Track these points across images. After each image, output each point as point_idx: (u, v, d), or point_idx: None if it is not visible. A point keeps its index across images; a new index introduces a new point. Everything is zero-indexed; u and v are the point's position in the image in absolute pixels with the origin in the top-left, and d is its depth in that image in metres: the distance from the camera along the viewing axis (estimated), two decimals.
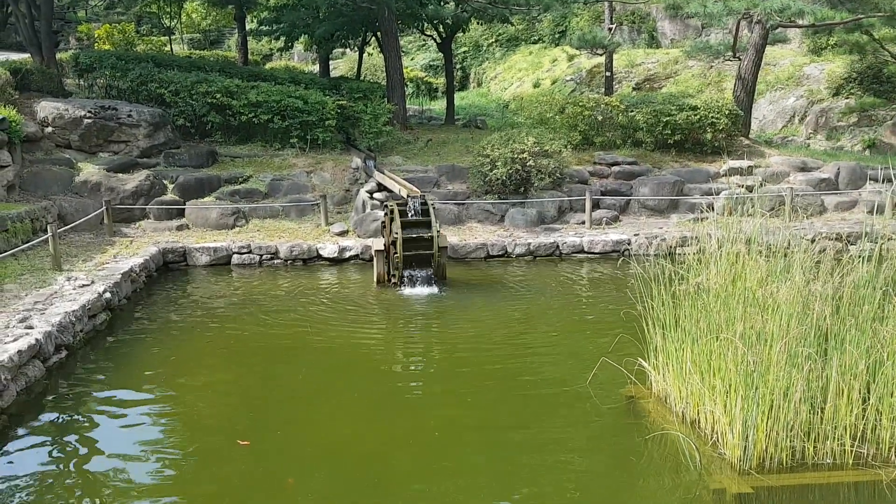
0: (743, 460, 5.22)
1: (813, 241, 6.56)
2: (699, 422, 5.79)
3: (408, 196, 11.27)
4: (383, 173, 13.74)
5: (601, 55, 20.63)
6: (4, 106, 13.81)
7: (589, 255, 12.92)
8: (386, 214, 11.13)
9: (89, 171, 14.37)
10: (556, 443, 5.95)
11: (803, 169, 16.08)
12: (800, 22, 16.86)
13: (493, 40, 32.28)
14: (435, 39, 22.27)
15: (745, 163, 15.96)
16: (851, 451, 5.34)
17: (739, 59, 18.07)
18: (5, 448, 5.80)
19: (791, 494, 5.05)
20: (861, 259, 5.99)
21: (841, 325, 5.57)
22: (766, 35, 17.32)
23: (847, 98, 20.47)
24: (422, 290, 10.57)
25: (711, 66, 23.60)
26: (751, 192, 14.52)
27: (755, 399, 5.16)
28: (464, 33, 27.01)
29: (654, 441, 5.75)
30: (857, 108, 19.78)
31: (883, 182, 14.95)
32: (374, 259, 11.01)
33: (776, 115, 21.72)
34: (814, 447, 5.33)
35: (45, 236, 10.57)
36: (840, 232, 12.73)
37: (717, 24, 19.61)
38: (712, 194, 14.81)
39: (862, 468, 5.27)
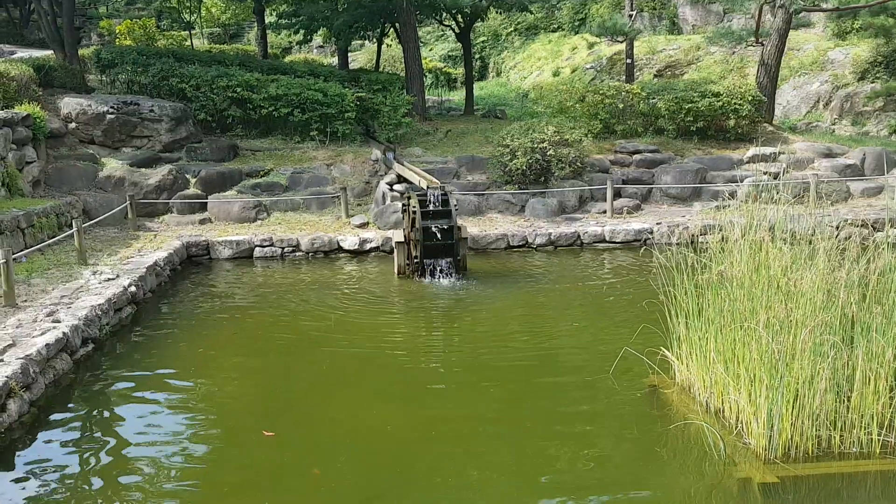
0: (768, 450, 5.18)
1: (838, 227, 6.47)
2: (723, 411, 5.75)
3: (427, 187, 11.27)
4: (403, 165, 13.75)
5: (621, 42, 20.46)
6: (28, 103, 13.98)
7: (610, 245, 12.85)
8: (406, 206, 11.14)
9: (113, 166, 14.52)
10: (579, 433, 5.94)
11: (828, 155, 15.87)
12: (823, 5, 16.62)
13: (512, 29, 32.08)
14: (453, 29, 22.20)
15: (768, 149, 15.76)
16: (878, 440, 5.27)
17: (762, 45, 17.83)
18: (34, 439, 5.90)
19: (817, 484, 5.00)
20: (887, 245, 5.91)
21: (867, 313, 5.49)
22: (789, 19, 17.07)
23: (873, 82, 20.11)
24: (443, 282, 10.58)
25: (734, 52, 23.30)
26: (775, 179, 14.35)
27: (780, 388, 5.11)
28: (482, 22, 26.91)
29: (678, 431, 5.72)
30: (883, 93, 19.43)
31: None
32: (395, 251, 11.03)
33: (800, 101, 21.41)
34: (840, 436, 5.27)
35: (71, 231, 10.70)
36: (866, 218, 12.55)
37: (740, 9, 19.41)
38: (736, 182, 14.65)
39: (889, 457, 5.21)
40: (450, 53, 32.40)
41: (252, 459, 5.57)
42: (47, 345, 6.80)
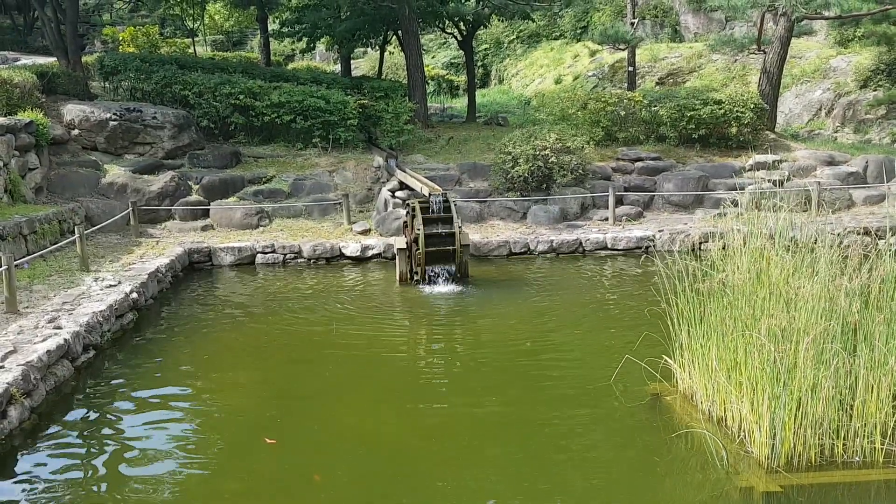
0: (771, 458, 5.16)
1: (840, 235, 6.46)
2: (726, 419, 5.73)
3: (430, 194, 11.27)
4: (405, 172, 13.75)
5: (623, 50, 20.49)
6: (32, 109, 14.02)
7: (612, 252, 12.84)
8: (408, 213, 11.15)
9: (115, 172, 14.54)
10: (580, 440, 5.92)
11: (830, 163, 15.85)
12: (826, 13, 16.61)
13: (515, 37, 32.15)
14: (456, 37, 22.24)
15: (770, 157, 15.75)
16: (882, 448, 5.25)
17: (764, 53, 17.83)
18: (35, 447, 5.89)
19: (820, 493, 4.98)
20: (889, 253, 5.89)
21: (869, 321, 5.48)
22: (791, 27, 17.08)
23: (875, 90, 20.11)
24: (444, 288, 10.57)
25: (736, 60, 23.32)
26: (778, 186, 14.33)
27: (782, 397, 5.09)
28: (485, 30, 26.95)
29: (681, 439, 5.70)
30: (886, 101, 19.43)
31: None
32: (397, 257, 11.03)
33: (802, 109, 21.42)
34: (843, 445, 5.25)
35: (73, 238, 10.71)
36: (868, 226, 12.52)
37: (742, 17, 19.39)
38: (738, 189, 14.61)
39: (892, 466, 5.19)
40: (452, 61, 32.48)
41: (253, 466, 5.55)
42: (48, 351, 6.79)
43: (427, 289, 10.60)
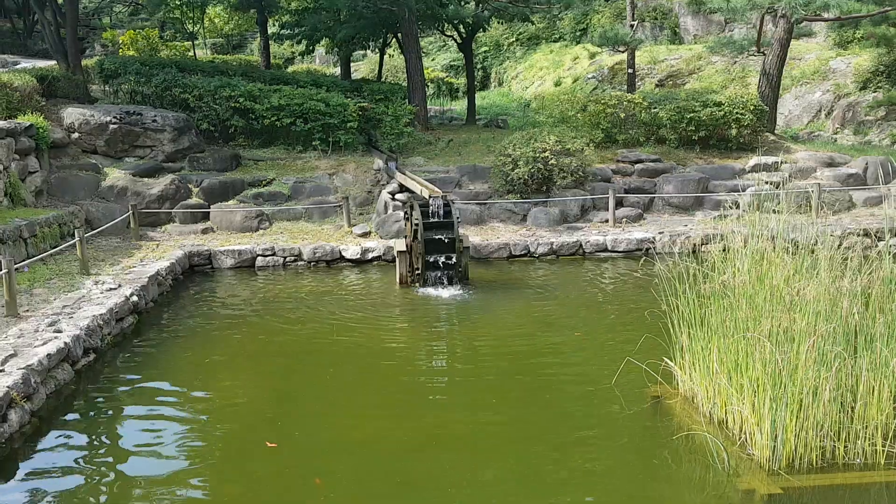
0: (772, 460, 5.15)
1: (840, 237, 6.46)
2: (727, 422, 5.73)
3: (430, 197, 11.27)
4: (405, 174, 13.76)
5: (623, 52, 20.50)
6: (32, 112, 14.03)
7: (612, 254, 12.84)
8: (408, 215, 11.15)
9: (115, 175, 14.55)
10: (581, 443, 5.92)
11: (830, 164, 15.85)
12: (825, 15, 16.63)
13: (514, 39, 32.17)
14: (455, 40, 22.27)
15: (770, 159, 15.76)
16: (883, 450, 5.25)
17: (764, 55, 17.85)
18: (35, 450, 5.88)
19: (821, 495, 4.98)
20: (890, 255, 5.89)
21: (870, 323, 5.48)
22: (790, 29, 17.09)
23: (875, 92, 20.13)
24: (444, 291, 10.56)
25: (735, 62, 23.35)
26: (777, 188, 14.33)
27: (784, 399, 5.09)
28: (484, 33, 27.00)
29: (682, 441, 5.69)
30: (885, 102, 19.44)
31: None
32: (397, 260, 11.03)
33: (802, 111, 21.43)
34: (844, 447, 5.25)
35: (73, 241, 10.72)
36: (868, 228, 12.53)
37: (741, 18, 19.43)
38: (738, 191, 14.62)
39: (893, 468, 5.18)
40: (452, 63, 32.49)
41: (254, 470, 5.54)
42: (48, 355, 6.79)
43: (427, 291, 10.60)
